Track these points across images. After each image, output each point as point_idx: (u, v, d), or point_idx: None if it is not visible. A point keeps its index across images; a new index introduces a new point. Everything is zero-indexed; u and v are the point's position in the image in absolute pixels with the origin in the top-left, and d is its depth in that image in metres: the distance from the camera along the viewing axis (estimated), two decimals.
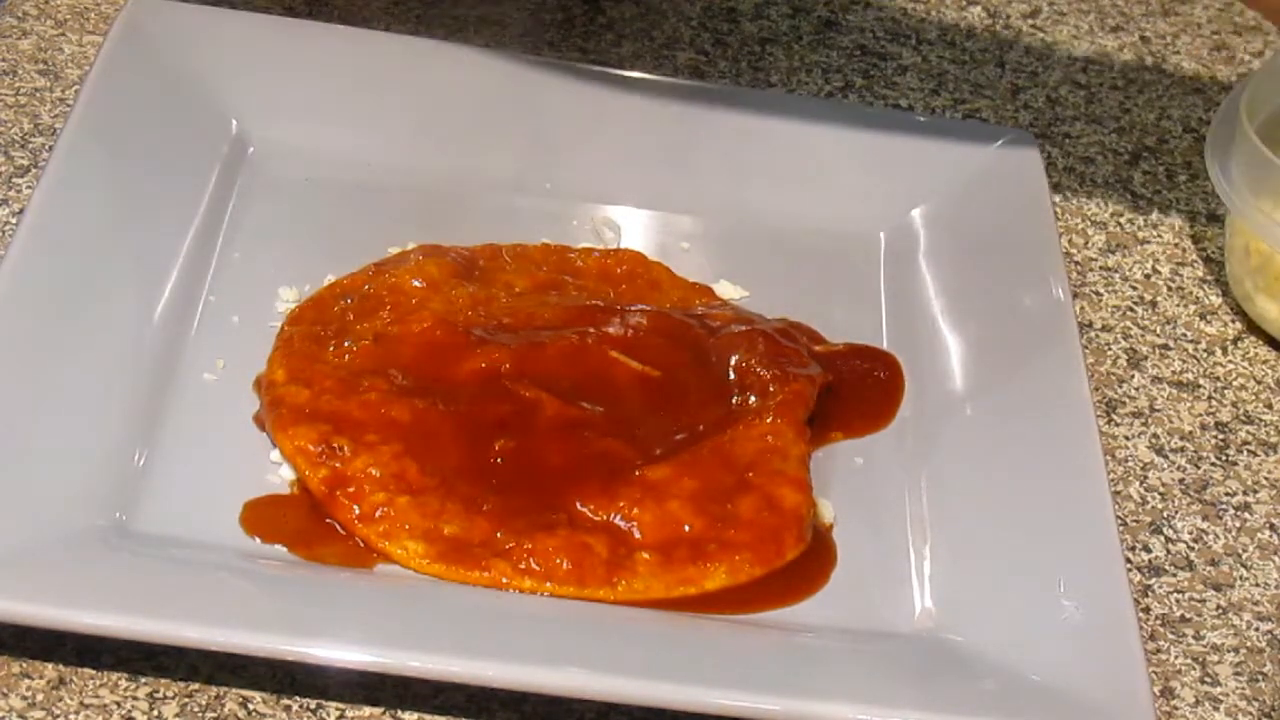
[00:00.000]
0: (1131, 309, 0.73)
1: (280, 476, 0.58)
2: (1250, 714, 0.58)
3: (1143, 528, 0.64)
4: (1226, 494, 0.65)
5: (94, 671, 0.53)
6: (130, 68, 0.67)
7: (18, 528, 0.53)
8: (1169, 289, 0.74)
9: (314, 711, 0.53)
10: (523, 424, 0.59)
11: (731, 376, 0.62)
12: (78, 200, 0.62)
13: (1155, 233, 0.77)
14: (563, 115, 0.71)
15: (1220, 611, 0.61)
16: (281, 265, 0.65)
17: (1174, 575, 0.62)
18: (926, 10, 0.88)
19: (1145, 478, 0.65)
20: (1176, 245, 0.76)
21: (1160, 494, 0.65)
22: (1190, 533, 0.64)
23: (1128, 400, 0.69)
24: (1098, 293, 0.73)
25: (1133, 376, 0.70)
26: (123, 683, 0.53)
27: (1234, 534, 0.64)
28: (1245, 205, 0.69)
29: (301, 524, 0.57)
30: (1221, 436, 0.68)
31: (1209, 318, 0.73)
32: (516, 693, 0.53)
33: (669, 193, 0.71)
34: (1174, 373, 0.70)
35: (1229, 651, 0.59)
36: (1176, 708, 0.57)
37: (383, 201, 0.68)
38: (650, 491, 0.58)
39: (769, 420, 0.60)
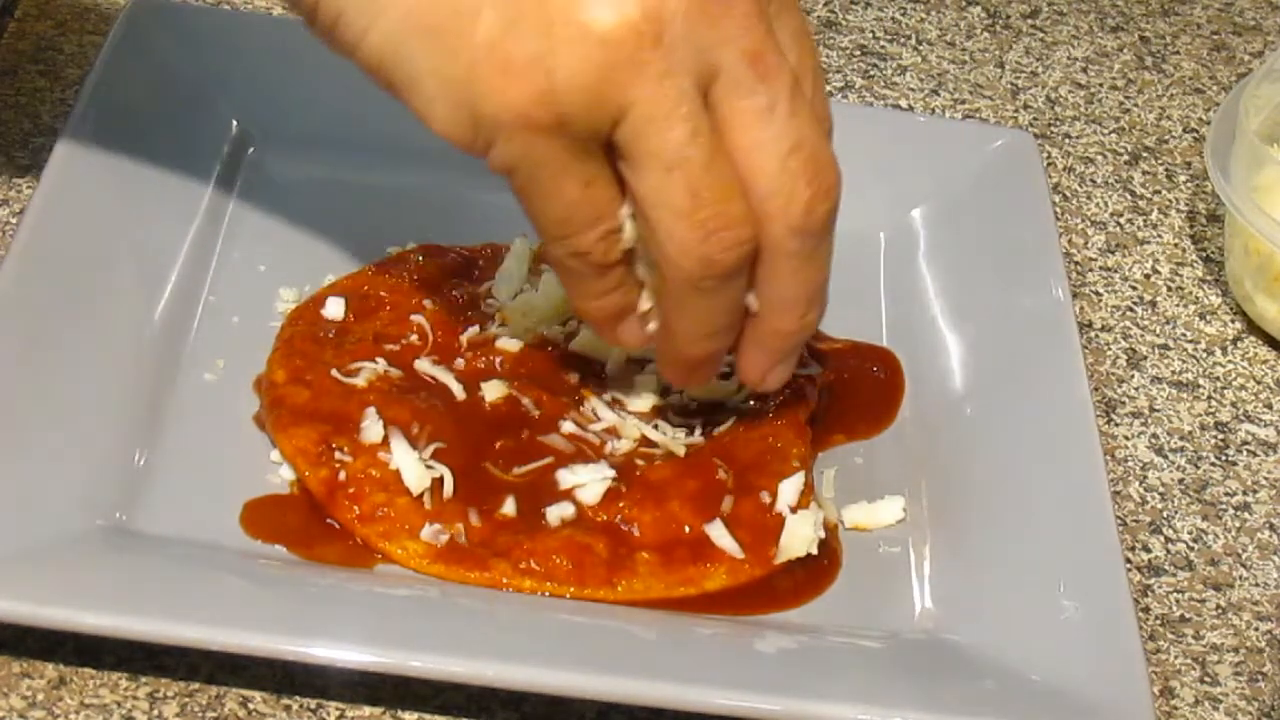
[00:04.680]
0: (1131, 309, 0.73)
1: (280, 476, 0.58)
2: (1250, 714, 0.58)
3: (1143, 528, 0.64)
4: (1226, 494, 0.65)
5: (94, 671, 0.53)
6: (130, 68, 0.67)
7: (18, 528, 0.53)
8: (1169, 289, 0.74)
9: (314, 711, 0.53)
10: (523, 423, 0.59)
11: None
12: (78, 200, 0.62)
13: (1155, 233, 0.77)
14: None
15: (1220, 611, 0.61)
16: (281, 265, 0.65)
17: (1174, 575, 0.62)
18: (926, 10, 0.88)
19: (1145, 478, 0.65)
20: (1176, 245, 0.77)
21: (1160, 494, 0.65)
22: (1190, 533, 0.64)
23: (1128, 400, 0.69)
24: (1098, 293, 0.73)
25: (1133, 376, 0.70)
26: (123, 683, 0.53)
27: (1234, 534, 0.64)
28: (1245, 205, 0.69)
29: (301, 524, 0.57)
30: (1221, 436, 0.68)
31: (1209, 318, 0.73)
32: (516, 693, 0.53)
33: None
34: (1174, 373, 0.70)
35: (1229, 651, 0.59)
36: (1176, 708, 0.57)
37: (383, 201, 0.69)
38: (650, 491, 0.58)
39: (769, 421, 0.60)
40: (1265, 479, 0.66)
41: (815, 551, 0.57)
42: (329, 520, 0.56)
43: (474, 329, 0.62)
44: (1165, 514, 0.64)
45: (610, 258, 0.52)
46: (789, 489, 0.58)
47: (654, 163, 0.49)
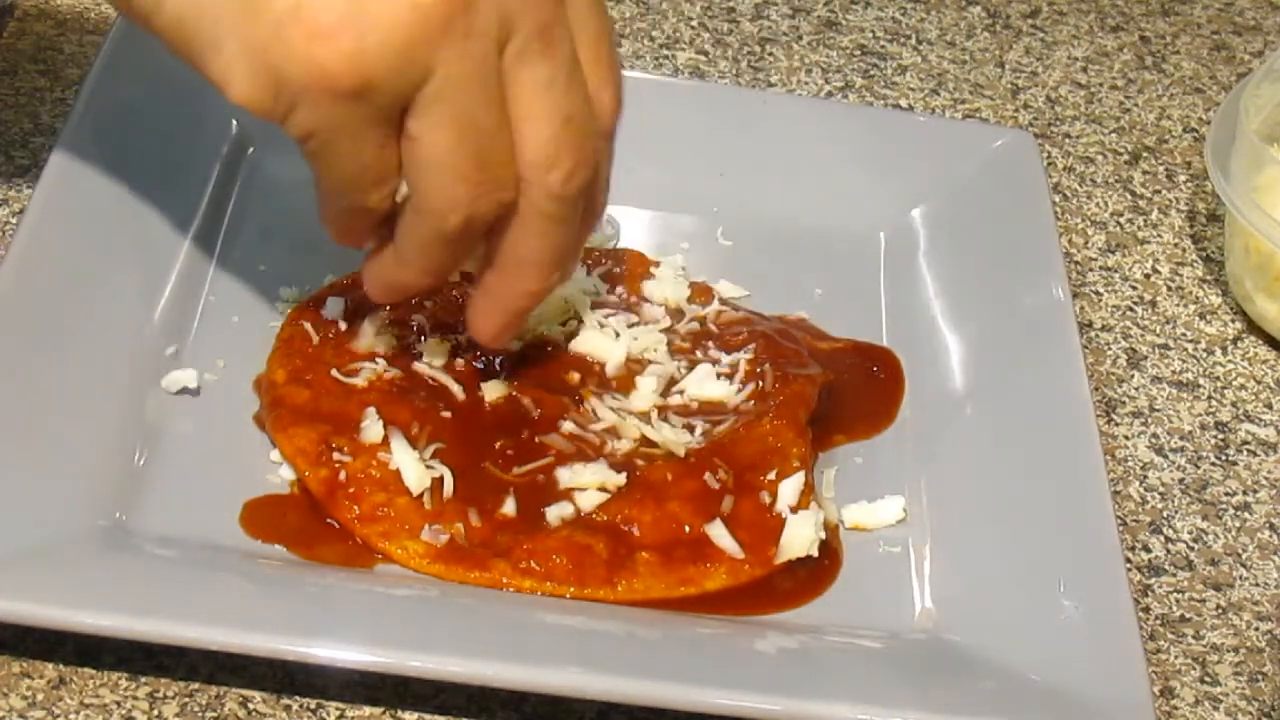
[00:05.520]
0: (1131, 309, 0.73)
1: (280, 476, 0.58)
2: (1250, 714, 0.58)
3: (1143, 528, 0.64)
4: (1226, 494, 0.65)
5: (94, 671, 0.53)
6: (130, 68, 0.67)
7: (18, 528, 0.53)
8: (1169, 289, 0.74)
9: (314, 711, 0.53)
10: (523, 423, 0.59)
11: (732, 377, 0.62)
12: (78, 200, 0.62)
13: (1155, 233, 0.77)
14: None
15: (1220, 611, 0.61)
16: (281, 265, 0.65)
17: (1174, 575, 0.62)
18: (926, 10, 0.88)
19: (1145, 478, 0.65)
20: (1176, 245, 0.77)
21: (1160, 494, 0.65)
22: (1190, 533, 0.64)
23: (1128, 400, 0.69)
24: (1098, 293, 0.73)
25: (1133, 376, 0.70)
26: (123, 683, 0.53)
27: (1234, 534, 0.64)
28: (1245, 205, 0.69)
29: (301, 524, 0.57)
30: (1221, 436, 0.68)
31: (1209, 318, 0.73)
32: (516, 693, 0.53)
33: (669, 193, 0.71)
34: (1174, 373, 0.70)
35: (1229, 651, 0.59)
36: (1176, 708, 0.57)
37: None
38: (650, 491, 0.58)
39: (769, 421, 0.60)
40: (1265, 479, 0.66)
41: (816, 553, 0.57)
42: (329, 520, 0.56)
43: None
44: (1165, 514, 0.64)
45: (382, 206, 0.53)
46: (789, 489, 0.58)
47: (450, 125, 0.50)
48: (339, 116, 0.49)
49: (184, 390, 0.60)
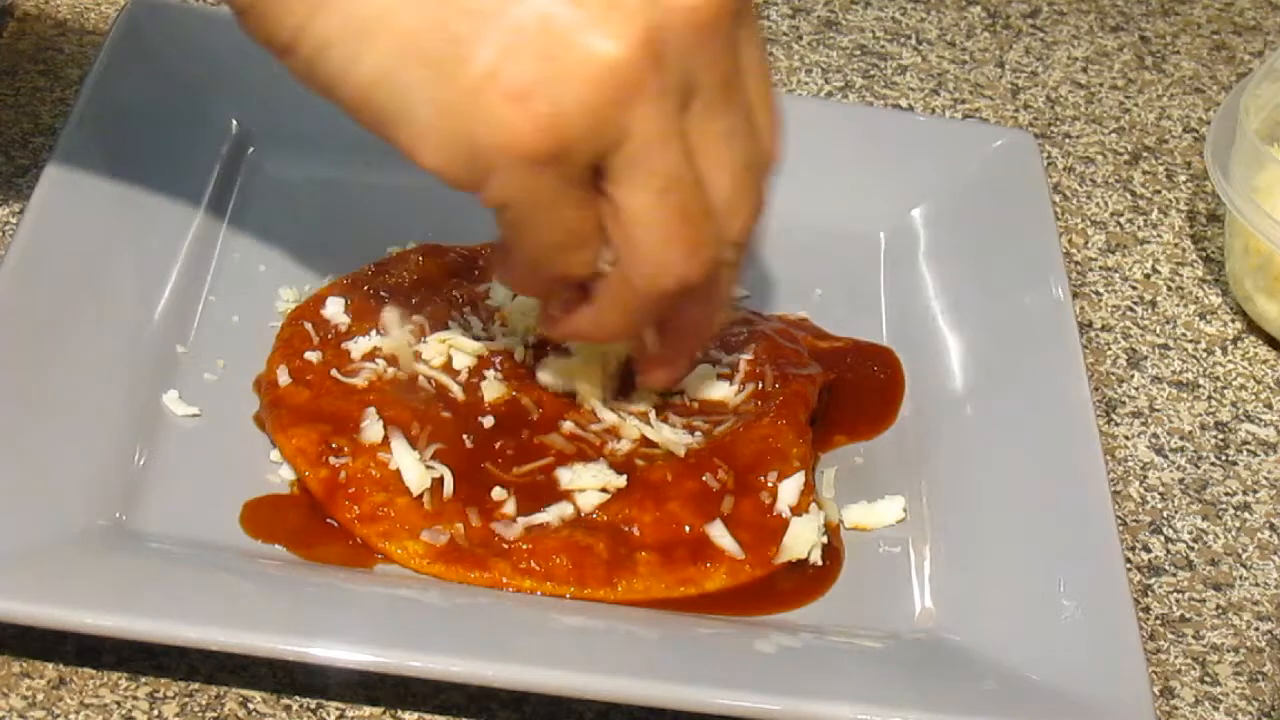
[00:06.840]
0: (1131, 309, 0.73)
1: (280, 476, 0.58)
2: (1250, 714, 0.58)
3: (1143, 528, 0.64)
4: (1226, 494, 0.65)
5: (94, 671, 0.53)
6: (130, 68, 0.67)
7: (18, 528, 0.53)
8: (1169, 289, 0.74)
9: (314, 711, 0.53)
10: (523, 423, 0.59)
11: (732, 377, 0.62)
12: (78, 200, 0.62)
13: (1155, 233, 0.77)
14: None
15: (1220, 611, 0.61)
16: (281, 265, 0.65)
17: (1174, 575, 0.62)
18: (926, 10, 0.88)
19: (1145, 478, 0.65)
20: (1176, 245, 0.77)
21: (1160, 494, 0.65)
22: (1190, 533, 0.64)
23: (1128, 400, 0.69)
24: (1098, 293, 0.73)
25: (1132, 376, 0.70)
26: (123, 683, 0.53)
27: (1234, 534, 0.64)
28: (1245, 205, 0.69)
29: (301, 524, 0.57)
30: (1221, 436, 0.68)
31: (1209, 318, 0.73)
32: (516, 693, 0.53)
33: None
34: (1174, 372, 0.70)
35: (1229, 651, 0.59)
36: (1176, 708, 0.57)
37: (383, 201, 0.68)
38: (650, 491, 0.58)
39: (769, 421, 0.60)
40: (1265, 479, 0.66)
41: (819, 560, 0.57)
42: (329, 520, 0.56)
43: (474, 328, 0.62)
44: (1165, 514, 0.64)
45: (583, 275, 0.52)
46: (789, 489, 0.58)
47: (651, 183, 0.49)
48: (535, 184, 0.48)
49: (184, 390, 0.60)
